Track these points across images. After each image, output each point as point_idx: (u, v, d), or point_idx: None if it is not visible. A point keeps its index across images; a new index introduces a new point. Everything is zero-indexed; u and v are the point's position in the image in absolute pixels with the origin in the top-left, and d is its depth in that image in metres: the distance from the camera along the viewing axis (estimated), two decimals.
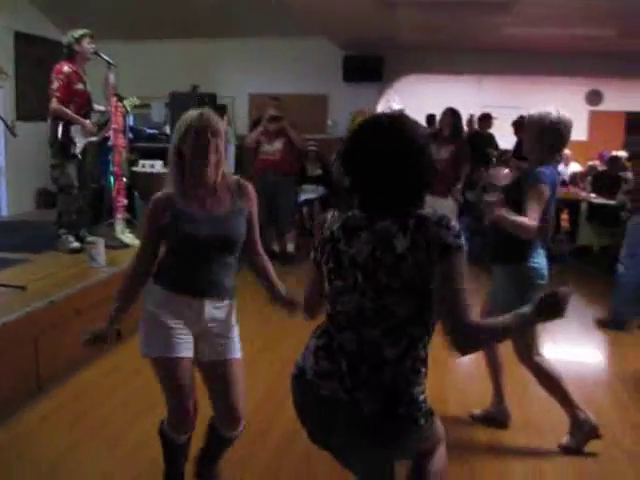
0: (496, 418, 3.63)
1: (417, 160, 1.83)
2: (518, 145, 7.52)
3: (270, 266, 2.90)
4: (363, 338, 1.84)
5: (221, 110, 9.21)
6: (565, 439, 3.37)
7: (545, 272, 3.25)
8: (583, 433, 3.33)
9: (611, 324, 5.48)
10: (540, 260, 3.25)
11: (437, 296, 1.77)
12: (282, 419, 3.66)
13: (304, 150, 8.03)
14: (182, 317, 2.53)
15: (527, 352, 3.34)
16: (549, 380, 3.36)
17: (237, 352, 2.69)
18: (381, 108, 9.48)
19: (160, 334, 2.50)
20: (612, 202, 7.50)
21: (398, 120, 1.87)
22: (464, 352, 1.79)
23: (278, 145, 7.41)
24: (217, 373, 2.64)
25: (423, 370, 1.88)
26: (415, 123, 1.90)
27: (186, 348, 2.53)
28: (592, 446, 3.36)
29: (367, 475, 2.01)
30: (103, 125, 5.80)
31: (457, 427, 3.59)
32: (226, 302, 2.66)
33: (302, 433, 3.47)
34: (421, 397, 1.86)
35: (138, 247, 2.65)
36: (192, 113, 2.46)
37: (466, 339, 1.76)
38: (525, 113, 3.60)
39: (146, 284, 2.58)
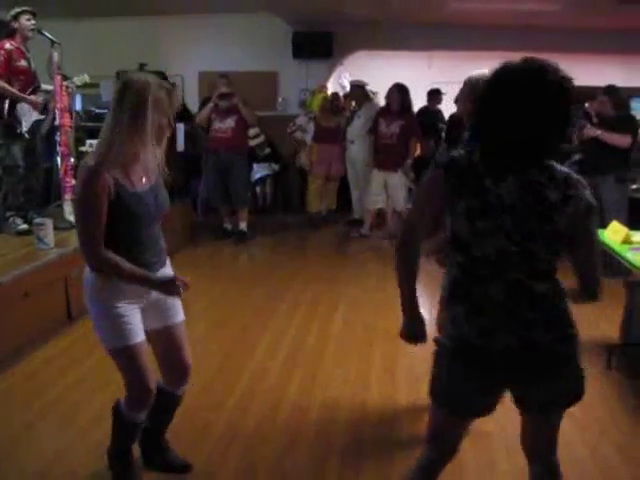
0: None
1: (566, 108, 1.81)
2: None
3: None
4: (510, 282, 1.86)
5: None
6: None
7: None
8: None
9: None
10: None
11: (579, 246, 1.93)
12: (235, 393, 3.73)
13: (253, 125, 7.98)
14: (135, 298, 2.52)
15: None
16: None
17: (182, 313, 2.75)
18: (332, 84, 9.50)
19: (116, 324, 2.48)
20: None
21: (549, 65, 1.83)
22: (595, 298, 2.02)
23: (230, 122, 7.39)
24: (168, 337, 2.68)
25: (563, 286, 1.96)
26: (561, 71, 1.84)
27: (141, 329, 2.55)
28: None
29: (548, 413, 2.06)
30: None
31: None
32: (168, 263, 2.68)
33: (255, 405, 3.56)
34: (573, 318, 1.96)
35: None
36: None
37: (597, 289, 1.99)
38: None
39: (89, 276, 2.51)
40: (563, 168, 1.90)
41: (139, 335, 2.53)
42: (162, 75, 8.36)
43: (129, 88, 2.33)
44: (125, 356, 2.52)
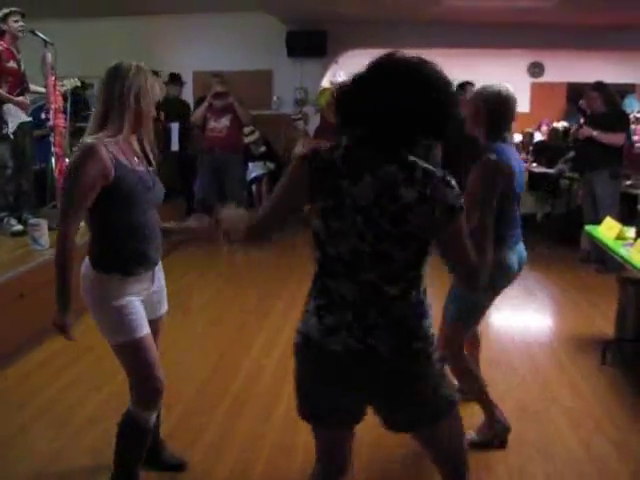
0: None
1: (429, 100, 1.70)
2: None
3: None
4: (362, 283, 1.78)
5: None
6: (471, 434, 3.10)
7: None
8: (493, 433, 3.13)
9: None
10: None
11: (445, 250, 1.80)
12: (231, 392, 3.73)
13: (248, 124, 7.98)
14: (137, 291, 2.51)
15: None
16: (469, 377, 3.14)
17: (166, 303, 2.74)
18: (326, 83, 9.50)
19: (120, 317, 2.44)
20: (551, 171, 7.67)
21: (421, 59, 1.74)
22: (477, 289, 1.88)
23: (225, 122, 7.39)
24: (154, 329, 2.63)
25: (427, 303, 1.86)
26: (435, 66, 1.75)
27: (146, 321, 2.52)
28: (534, 406, 3.51)
29: (418, 435, 2.00)
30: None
31: None
32: (160, 266, 2.67)
33: (250, 404, 3.56)
34: (431, 331, 1.85)
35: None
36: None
37: (477, 279, 1.83)
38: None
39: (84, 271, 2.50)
40: (427, 166, 1.77)
41: (145, 327, 2.50)
42: (155, 74, 8.36)
43: (123, 68, 2.34)
44: (133, 350, 2.47)
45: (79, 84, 6.01)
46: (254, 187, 9.26)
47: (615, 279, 4.44)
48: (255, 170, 9.15)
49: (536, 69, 11.94)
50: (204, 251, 7.07)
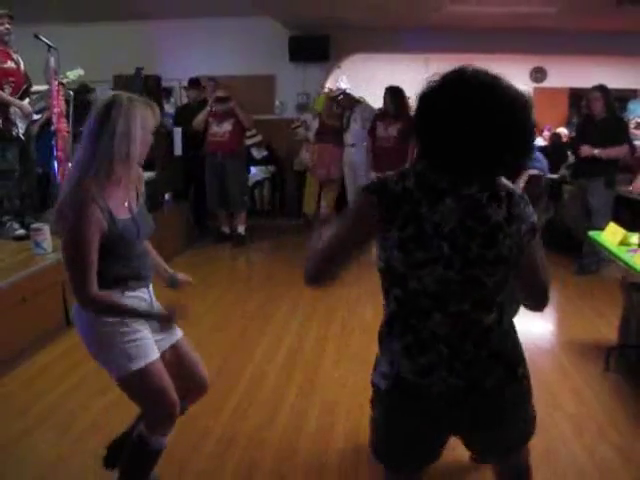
0: None
1: (519, 123, 1.59)
2: None
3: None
4: (454, 315, 1.69)
5: (166, 93, 9.17)
6: None
7: None
8: None
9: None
10: None
11: (524, 268, 1.73)
12: (234, 397, 3.73)
13: (250, 129, 8.00)
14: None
15: None
16: None
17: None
18: (329, 87, 9.50)
19: (128, 345, 2.34)
20: (554, 176, 7.66)
21: (492, 75, 1.62)
22: (545, 306, 1.87)
23: (227, 126, 7.40)
24: (180, 352, 2.59)
25: (516, 329, 1.85)
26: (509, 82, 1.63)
27: (154, 345, 2.44)
28: (538, 411, 3.49)
29: (507, 459, 1.96)
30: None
31: None
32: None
33: (253, 409, 3.54)
34: (524, 356, 1.84)
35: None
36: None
37: (547, 298, 1.84)
38: None
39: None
40: (507, 183, 1.70)
41: (155, 350, 2.42)
42: (157, 80, 8.38)
43: (114, 108, 2.24)
44: (145, 377, 2.37)
45: (82, 73, 5.99)
46: (256, 191, 9.29)
47: (619, 285, 4.43)
48: (257, 174, 9.18)
49: (538, 74, 11.96)
50: (205, 257, 7.07)
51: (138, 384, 2.40)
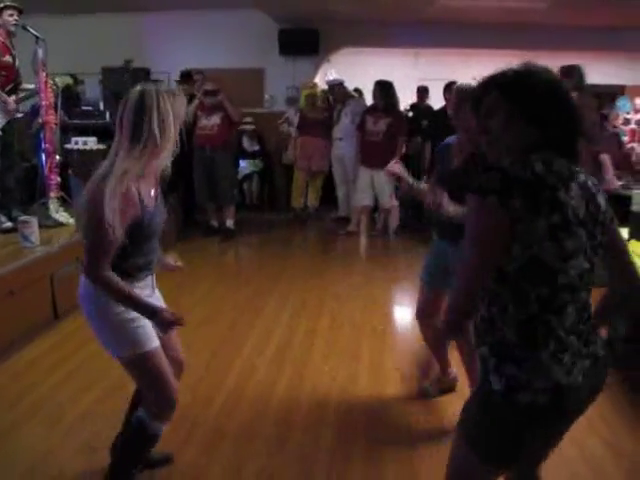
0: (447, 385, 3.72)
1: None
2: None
3: None
4: (582, 305, 1.69)
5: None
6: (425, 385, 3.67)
7: None
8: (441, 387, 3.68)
9: None
10: None
11: (617, 251, 1.80)
12: (223, 391, 3.73)
13: (239, 123, 7.99)
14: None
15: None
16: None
17: None
18: (319, 81, 9.49)
19: (132, 329, 2.39)
20: None
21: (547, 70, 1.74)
22: None
23: (216, 119, 7.37)
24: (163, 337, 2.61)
25: None
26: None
27: (154, 332, 2.48)
28: None
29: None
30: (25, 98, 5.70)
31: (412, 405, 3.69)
32: None
33: (243, 403, 3.54)
34: None
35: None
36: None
37: None
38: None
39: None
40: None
41: (156, 337, 2.47)
42: (146, 72, 8.35)
43: (148, 98, 2.26)
44: (147, 362, 2.43)
45: (71, 82, 5.97)
46: (245, 185, 9.27)
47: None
48: (246, 168, 9.17)
49: None
50: (194, 251, 7.04)
51: (140, 368, 2.46)
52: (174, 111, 2.32)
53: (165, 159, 2.38)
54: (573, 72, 5.90)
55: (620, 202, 6.27)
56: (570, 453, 3.09)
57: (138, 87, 2.31)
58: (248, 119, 8.86)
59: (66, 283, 4.68)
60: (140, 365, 2.45)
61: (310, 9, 8.37)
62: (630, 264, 1.84)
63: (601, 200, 1.69)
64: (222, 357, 4.22)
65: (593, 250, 1.66)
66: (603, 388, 1.81)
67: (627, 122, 9.65)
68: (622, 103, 10.32)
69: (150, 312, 2.34)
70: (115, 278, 2.27)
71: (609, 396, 3.70)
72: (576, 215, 1.60)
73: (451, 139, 3.27)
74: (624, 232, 3.98)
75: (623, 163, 7.23)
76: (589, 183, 1.68)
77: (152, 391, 2.51)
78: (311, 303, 5.33)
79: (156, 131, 2.25)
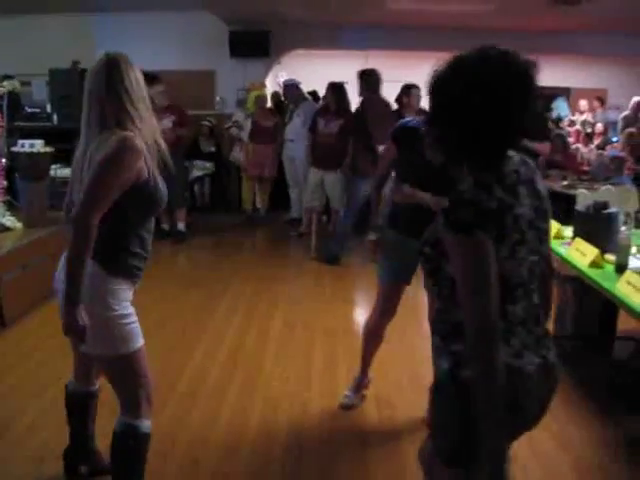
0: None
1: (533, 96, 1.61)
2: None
3: None
4: (529, 295, 1.69)
5: None
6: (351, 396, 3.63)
7: None
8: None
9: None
10: None
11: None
12: (175, 395, 3.71)
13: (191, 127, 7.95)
14: (130, 294, 2.39)
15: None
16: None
17: None
18: (270, 83, 9.49)
19: (126, 326, 2.31)
20: None
21: (510, 53, 1.62)
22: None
23: (167, 123, 7.28)
24: None
25: None
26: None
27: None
28: None
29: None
30: None
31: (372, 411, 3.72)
32: None
33: (195, 408, 3.52)
34: None
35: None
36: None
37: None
38: None
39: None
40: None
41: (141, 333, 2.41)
42: None
43: (120, 62, 2.26)
44: (134, 360, 2.36)
45: (19, 86, 5.86)
46: (196, 187, 9.22)
47: (554, 277, 4.55)
48: (197, 171, 9.11)
49: None
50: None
51: (127, 366, 2.36)
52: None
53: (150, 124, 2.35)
54: (368, 75, 6.47)
55: (565, 201, 6.44)
56: (520, 449, 3.15)
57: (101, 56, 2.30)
58: (208, 118, 8.96)
59: (13, 289, 4.60)
60: (126, 363, 2.36)
61: (260, 11, 8.35)
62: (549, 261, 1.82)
63: (539, 186, 1.69)
64: (174, 360, 4.18)
65: (539, 241, 1.68)
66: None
67: (572, 123, 9.90)
68: (558, 104, 10.55)
69: (74, 299, 2.15)
70: (93, 236, 2.12)
71: (557, 392, 3.79)
72: (528, 221, 1.62)
73: (413, 121, 3.18)
74: (568, 230, 4.07)
75: (568, 164, 7.41)
76: (523, 170, 1.66)
77: (138, 387, 2.42)
78: (263, 305, 5.33)
79: (132, 92, 2.25)
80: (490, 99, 1.54)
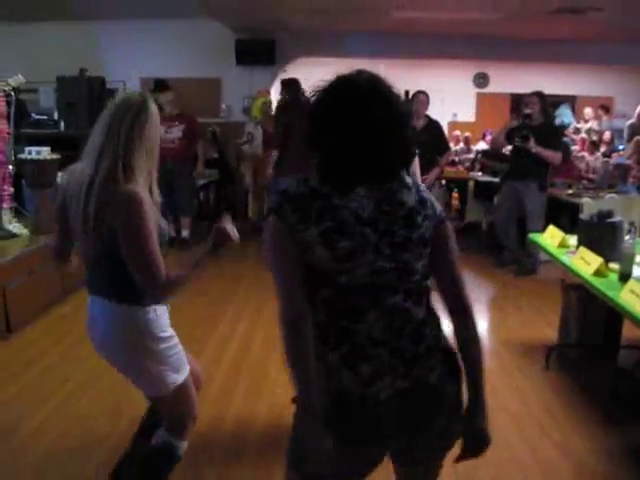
0: None
1: (406, 126, 1.62)
2: None
3: None
4: (388, 311, 1.61)
5: (111, 94, 9.02)
6: None
7: None
8: None
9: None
10: None
11: (439, 260, 1.67)
12: None
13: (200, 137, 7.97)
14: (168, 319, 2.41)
15: None
16: None
17: None
18: (275, 91, 9.51)
19: (175, 358, 2.33)
20: (495, 180, 7.82)
21: (379, 82, 1.60)
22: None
23: (177, 133, 7.33)
24: None
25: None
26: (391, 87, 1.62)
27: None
28: None
29: (434, 462, 1.83)
30: None
31: None
32: None
33: (200, 414, 3.52)
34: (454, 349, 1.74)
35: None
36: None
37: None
38: None
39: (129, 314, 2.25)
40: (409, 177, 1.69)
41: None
42: (101, 81, 8.26)
43: (130, 104, 2.15)
44: (187, 386, 2.37)
45: (23, 81, 5.86)
46: (202, 194, 9.24)
47: (558, 286, 4.55)
48: (202, 178, 9.13)
49: (481, 79, 12.19)
50: None
51: (181, 393, 2.37)
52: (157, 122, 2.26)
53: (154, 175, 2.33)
54: (292, 85, 6.54)
55: (570, 210, 6.44)
56: (523, 457, 3.16)
57: (130, 95, 2.24)
58: (213, 125, 8.97)
59: (19, 295, 4.61)
60: (180, 391, 2.36)
61: (266, 19, 8.39)
62: (453, 279, 1.70)
63: (406, 197, 1.63)
64: None
65: (396, 246, 1.60)
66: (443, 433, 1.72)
67: (577, 131, 9.88)
68: (562, 111, 10.55)
69: (202, 256, 2.43)
70: (165, 272, 2.17)
71: (560, 400, 3.79)
72: (356, 215, 1.58)
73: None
74: (573, 239, 4.07)
75: (567, 172, 7.43)
76: (392, 185, 1.63)
77: (185, 412, 2.44)
78: (268, 312, 5.32)
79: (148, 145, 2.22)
80: (350, 126, 1.57)
